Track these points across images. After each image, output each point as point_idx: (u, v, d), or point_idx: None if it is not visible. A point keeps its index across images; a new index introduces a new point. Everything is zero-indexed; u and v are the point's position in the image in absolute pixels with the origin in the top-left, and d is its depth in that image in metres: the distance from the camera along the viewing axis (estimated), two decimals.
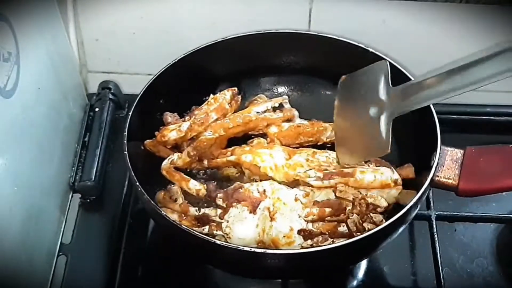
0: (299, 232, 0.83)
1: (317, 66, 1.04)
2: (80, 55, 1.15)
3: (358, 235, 0.79)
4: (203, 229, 0.84)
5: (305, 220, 0.84)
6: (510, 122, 1.12)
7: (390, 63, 0.95)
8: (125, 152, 0.85)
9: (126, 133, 0.86)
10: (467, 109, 1.13)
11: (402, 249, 0.96)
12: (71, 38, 1.11)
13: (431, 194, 0.98)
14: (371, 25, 1.08)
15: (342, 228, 0.84)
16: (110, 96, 1.12)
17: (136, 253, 0.96)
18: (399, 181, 0.88)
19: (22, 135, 0.85)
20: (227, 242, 0.81)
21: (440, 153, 0.85)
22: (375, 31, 1.08)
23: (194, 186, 0.89)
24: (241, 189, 0.85)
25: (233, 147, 0.94)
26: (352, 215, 0.83)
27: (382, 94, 0.83)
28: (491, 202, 1.00)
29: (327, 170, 0.87)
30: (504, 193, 1.00)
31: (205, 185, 0.89)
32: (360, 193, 0.86)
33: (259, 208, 0.84)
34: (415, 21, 1.07)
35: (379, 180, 0.87)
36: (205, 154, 0.93)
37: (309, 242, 0.82)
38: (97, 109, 1.10)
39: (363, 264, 0.95)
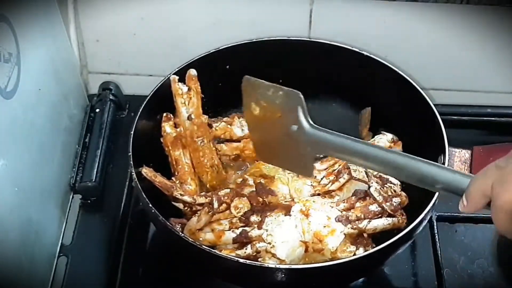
0: (337, 219, 0.85)
1: (321, 74, 1.04)
2: (81, 56, 1.15)
3: (386, 205, 0.84)
4: (246, 249, 0.83)
5: (338, 210, 0.86)
6: (511, 122, 1.12)
7: (391, 69, 0.96)
8: (134, 177, 0.85)
9: (130, 154, 0.86)
10: (468, 110, 1.12)
11: (403, 250, 0.96)
12: (71, 39, 1.11)
13: None
14: (372, 26, 1.08)
15: (373, 207, 0.85)
16: (111, 97, 1.11)
17: (136, 254, 0.96)
18: (395, 138, 0.95)
19: (23, 136, 0.85)
20: (271, 253, 0.82)
21: (448, 155, 0.86)
22: (376, 32, 1.08)
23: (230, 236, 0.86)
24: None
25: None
26: (372, 183, 0.86)
27: (305, 124, 0.78)
28: None
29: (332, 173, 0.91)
30: None
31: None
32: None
33: (292, 211, 0.85)
34: (416, 22, 1.07)
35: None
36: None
37: (349, 226, 0.84)
38: (97, 110, 1.10)
39: None
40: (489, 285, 0.93)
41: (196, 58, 0.97)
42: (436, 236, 0.93)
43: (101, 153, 1.04)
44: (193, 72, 0.94)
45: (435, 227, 0.95)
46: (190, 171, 0.93)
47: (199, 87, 0.94)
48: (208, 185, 0.94)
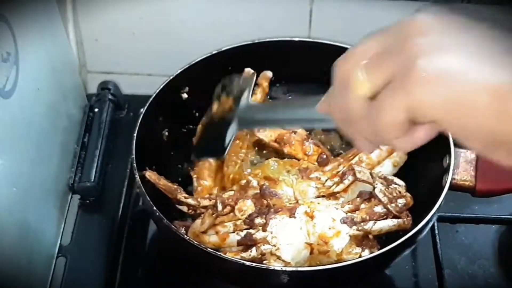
0: (342, 221, 0.84)
1: (321, 74, 1.03)
2: (80, 56, 1.15)
3: (392, 206, 0.83)
4: (251, 252, 0.83)
5: (343, 212, 0.86)
6: None
7: None
8: (137, 180, 0.84)
9: (133, 156, 0.85)
10: None
11: None
12: (70, 38, 1.11)
13: None
14: (372, 25, 1.07)
15: (378, 208, 0.85)
16: (110, 97, 1.11)
17: (136, 254, 0.95)
18: None
19: (21, 135, 0.85)
20: (276, 255, 0.82)
21: (454, 155, 0.85)
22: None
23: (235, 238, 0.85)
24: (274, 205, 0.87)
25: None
26: (377, 185, 0.85)
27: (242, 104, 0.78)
28: (493, 203, 1.00)
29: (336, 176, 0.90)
30: (506, 194, 1.00)
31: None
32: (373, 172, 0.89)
33: (297, 213, 0.84)
34: None
35: (384, 148, 0.92)
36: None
37: (355, 228, 0.84)
38: (96, 110, 1.10)
39: None
40: (490, 285, 0.93)
41: (198, 59, 0.96)
42: (437, 237, 0.93)
43: (100, 153, 1.03)
44: (269, 73, 1.00)
45: (436, 227, 0.94)
46: (210, 167, 0.93)
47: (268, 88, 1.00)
48: (230, 177, 0.93)
